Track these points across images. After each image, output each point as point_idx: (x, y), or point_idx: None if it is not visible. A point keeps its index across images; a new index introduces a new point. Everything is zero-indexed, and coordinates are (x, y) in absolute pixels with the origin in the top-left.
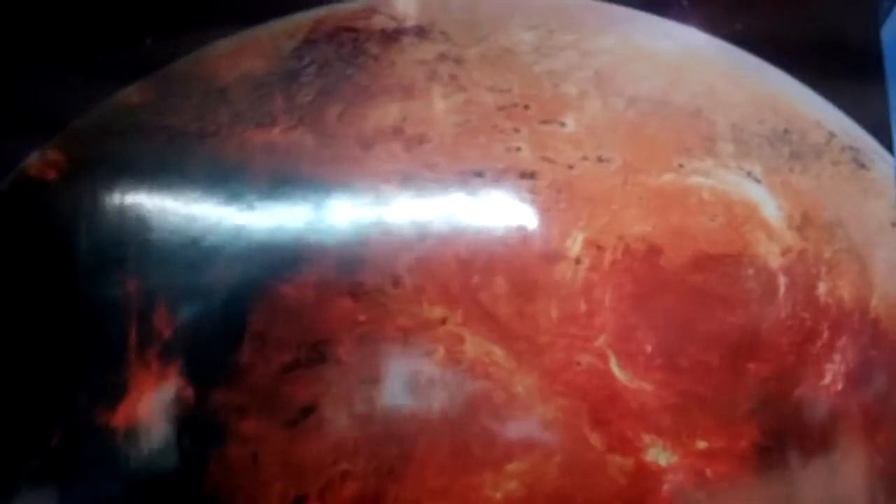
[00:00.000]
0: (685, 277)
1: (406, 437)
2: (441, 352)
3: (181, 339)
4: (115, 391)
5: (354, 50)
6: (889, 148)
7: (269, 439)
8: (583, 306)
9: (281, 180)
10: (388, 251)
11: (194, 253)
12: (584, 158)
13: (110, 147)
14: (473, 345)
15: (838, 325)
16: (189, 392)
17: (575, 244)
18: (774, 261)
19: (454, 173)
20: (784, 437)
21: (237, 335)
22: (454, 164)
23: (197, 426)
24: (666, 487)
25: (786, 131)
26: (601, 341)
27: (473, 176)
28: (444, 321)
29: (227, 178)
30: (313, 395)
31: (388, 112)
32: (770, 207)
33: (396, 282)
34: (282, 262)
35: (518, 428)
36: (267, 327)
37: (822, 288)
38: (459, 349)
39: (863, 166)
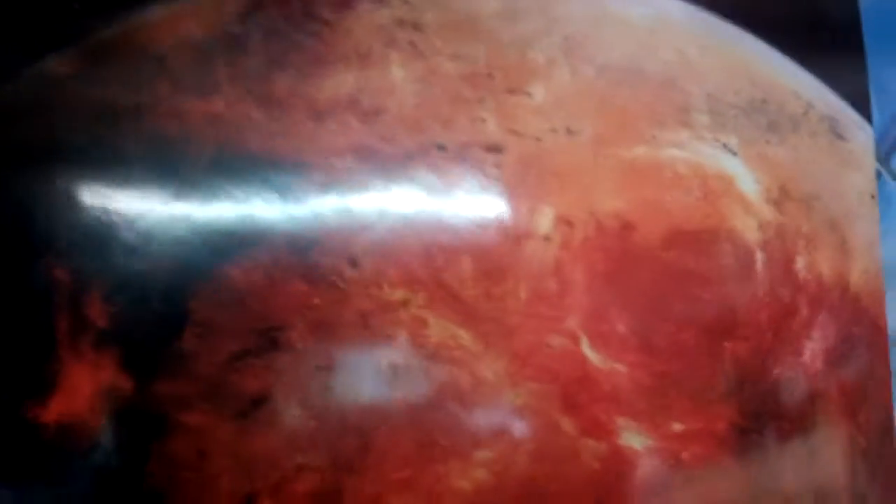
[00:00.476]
0: (659, 254)
1: (366, 428)
2: (403, 336)
3: (117, 327)
4: (45, 385)
5: (305, 15)
6: (868, 119)
7: (217, 432)
8: (553, 286)
9: (226, 156)
10: (345, 231)
11: (130, 236)
12: (553, 130)
13: (36, 123)
14: (438, 328)
15: (818, 302)
16: (127, 383)
17: (544, 221)
18: (751, 236)
19: (415, 147)
20: (762, 417)
21: (179, 322)
22: (414, 137)
23: (137, 419)
24: (641, 471)
25: (762, 101)
26: (573, 322)
27: (435, 149)
28: (405, 304)
29: (166, 153)
30: (264, 384)
31: (342, 82)
32: (746, 180)
33: (354, 263)
34: (228, 243)
35: (486, 414)
36: (212, 314)
37: (800, 263)
38: (423, 333)
39: (841, 137)
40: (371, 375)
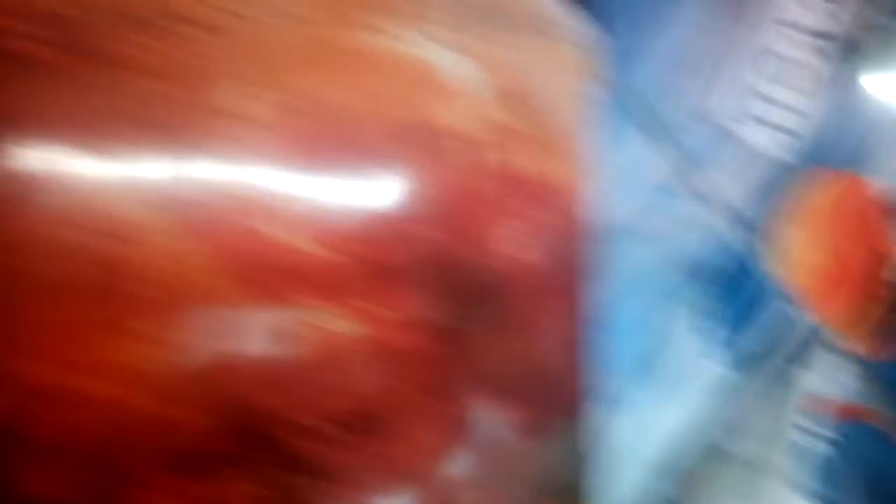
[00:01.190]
0: (377, 145)
1: (23, 302)
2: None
3: None
4: None
5: None
6: (593, 26)
7: None
8: (265, 172)
9: None
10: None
11: None
12: (272, 12)
13: None
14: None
15: (522, 194)
16: None
17: (257, 106)
18: (470, 130)
19: (106, 20)
20: (466, 304)
21: None
22: (106, 9)
23: None
24: (349, 357)
25: (493, 2)
26: (282, 209)
27: (134, 23)
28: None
29: None
30: None
31: None
32: (468, 77)
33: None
34: None
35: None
36: None
37: (511, 157)
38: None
39: (564, 42)
40: (33, 251)
